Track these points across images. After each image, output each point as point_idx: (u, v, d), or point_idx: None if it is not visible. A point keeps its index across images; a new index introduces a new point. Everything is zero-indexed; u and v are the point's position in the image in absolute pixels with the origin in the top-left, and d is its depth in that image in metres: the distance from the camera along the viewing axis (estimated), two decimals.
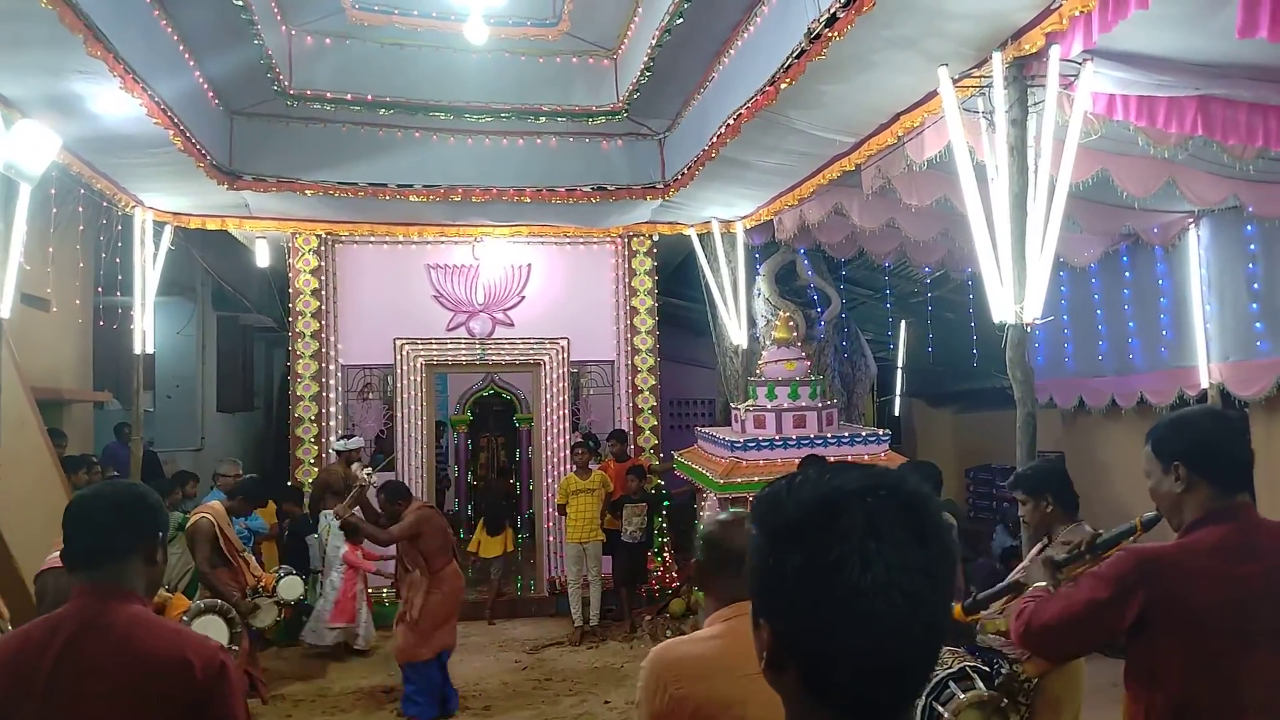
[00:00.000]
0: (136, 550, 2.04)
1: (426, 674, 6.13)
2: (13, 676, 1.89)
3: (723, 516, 2.27)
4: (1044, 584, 2.67)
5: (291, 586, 5.94)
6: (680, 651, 2.04)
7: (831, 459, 6.68)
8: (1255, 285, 6.67)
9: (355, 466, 6.86)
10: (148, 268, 7.92)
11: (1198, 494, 2.22)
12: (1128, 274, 8.12)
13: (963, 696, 3.30)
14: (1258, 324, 6.64)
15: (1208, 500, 2.21)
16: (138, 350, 7.95)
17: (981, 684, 3.38)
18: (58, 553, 3.49)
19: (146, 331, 7.95)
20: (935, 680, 3.39)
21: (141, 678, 1.90)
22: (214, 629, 4.59)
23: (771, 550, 0.98)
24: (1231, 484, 2.22)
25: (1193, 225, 7.18)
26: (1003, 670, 3.56)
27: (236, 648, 4.75)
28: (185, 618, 4.52)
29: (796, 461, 6.61)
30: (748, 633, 1.95)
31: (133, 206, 7.65)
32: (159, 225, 8.14)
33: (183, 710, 1.91)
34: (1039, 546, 3.55)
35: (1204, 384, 7.05)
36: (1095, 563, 2.68)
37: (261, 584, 5.79)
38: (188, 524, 5.86)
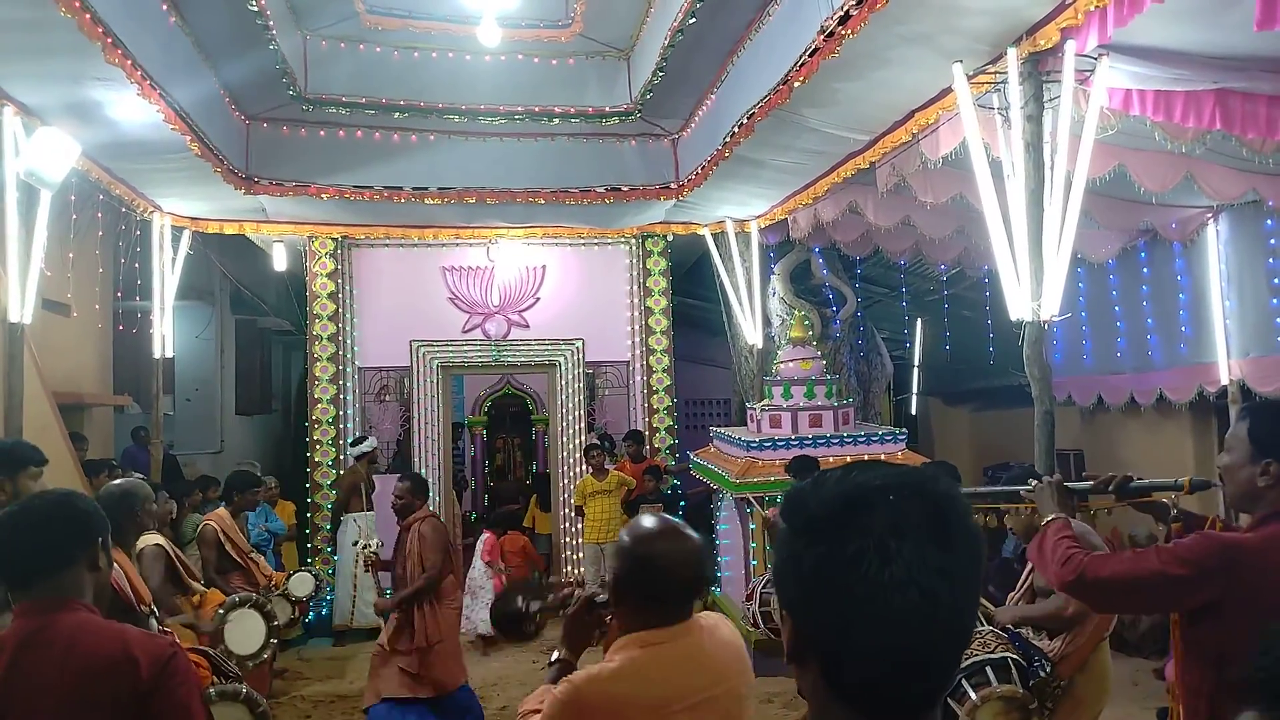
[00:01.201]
0: (75, 561, 1.99)
1: (466, 699, 5.53)
2: None
3: (649, 523, 2.00)
4: (1059, 514, 2.59)
5: (302, 583, 5.94)
6: (610, 691, 1.85)
7: (847, 459, 6.66)
8: (1276, 280, 6.61)
9: (359, 547, 6.07)
10: (166, 272, 7.99)
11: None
12: (1146, 270, 8.06)
13: (996, 687, 3.28)
14: (1278, 319, 6.57)
15: None
16: (157, 354, 8.03)
17: (1018, 679, 3.36)
18: None
19: (166, 335, 8.03)
20: (974, 661, 3.37)
21: (88, 684, 1.87)
22: (250, 622, 4.61)
23: (793, 544, 0.99)
24: None
25: (1212, 220, 7.12)
26: (1041, 671, 3.53)
27: (275, 640, 4.78)
28: (221, 610, 4.55)
29: None
30: (670, 661, 1.89)
31: (151, 212, 7.72)
32: (177, 230, 8.21)
33: (132, 708, 1.88)
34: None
35: (1224, 380, 6.99)
36: (1118, 503, 2.69)
37: (273, 583, 5.82)
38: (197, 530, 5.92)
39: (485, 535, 8.41)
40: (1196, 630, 2.24)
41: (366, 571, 5.87)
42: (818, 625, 0.96)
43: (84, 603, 1.99)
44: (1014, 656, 3.43)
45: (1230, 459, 2.30)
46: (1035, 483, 2.78)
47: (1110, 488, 2.68)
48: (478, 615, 7.69)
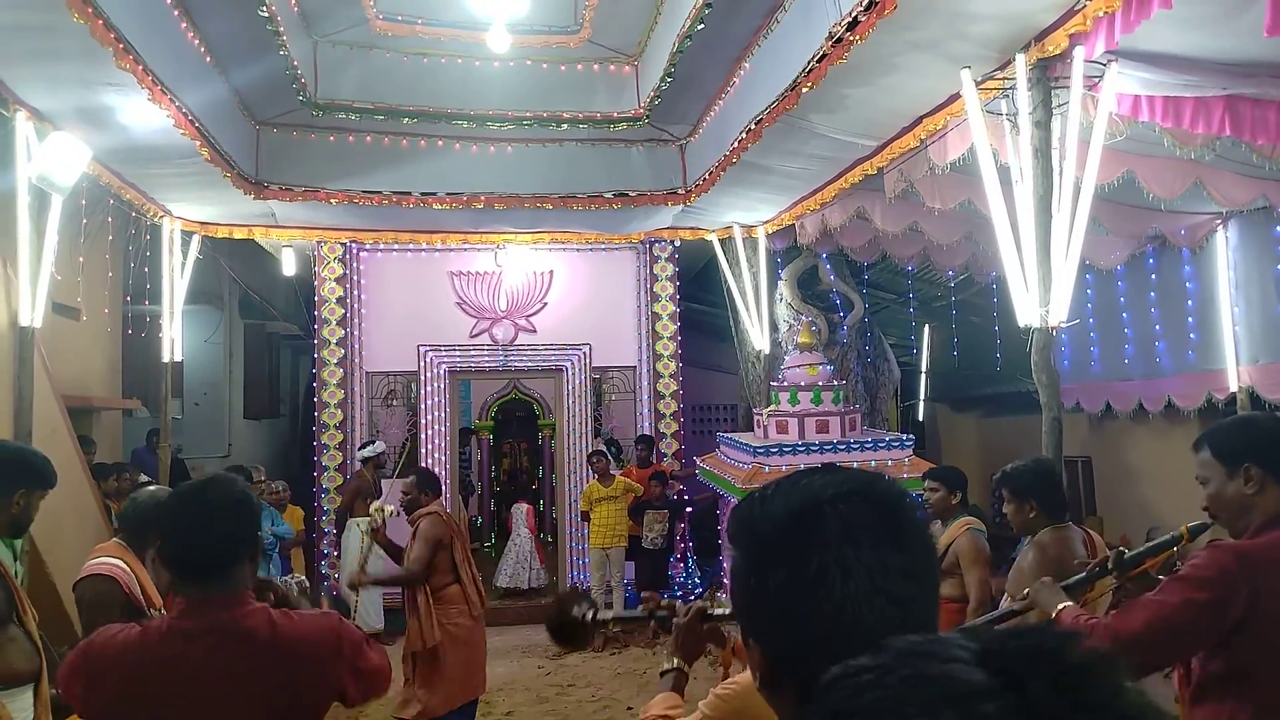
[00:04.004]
0: (244, 551, 2.06)
1: None
2: (145, 691, 1.91)
3: None
4: (1065, 603, 2.40)
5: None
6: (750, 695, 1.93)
7: (855, 464, 6.65)
8: None
9: (373, 508, 5.83)
10: (176, 277, 8.03)
11: (1270, 495, 2.15)
12: (1154, 276, 8.04)
13: None
14: None
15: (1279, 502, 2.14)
16: (166, 358, 8.05)
17: None
18: (95, 560, 3.49)
19: (175, 339, 8.06)
20: None
21: (296, 670, 1.98)
22: None
23: (751, 568, 0.96)
24: None
25: (1221, 226, 7.10)
26: None
27: None
28: None
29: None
30: None
31: (161, 216, 7.75)
32: (187, 235, 8.25)
33: (335, 686, 2.02)
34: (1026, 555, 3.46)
35: (1233, 387, 6.97)
36: (1124, 579, 2.48)
37: None
38: None
39: (526, 506, 9.78)
40: (1220, 655, 2.10)
41: (372, 536, 5.45)
42: (791, 648, 0.93)
43: (250, 592, 2.07)
44: None
45: (1211, 488, 2.24)
46: (1030, 590, 2.55)
47: (1110, 566, 2.47)
48: (516, 573, 9.25)
